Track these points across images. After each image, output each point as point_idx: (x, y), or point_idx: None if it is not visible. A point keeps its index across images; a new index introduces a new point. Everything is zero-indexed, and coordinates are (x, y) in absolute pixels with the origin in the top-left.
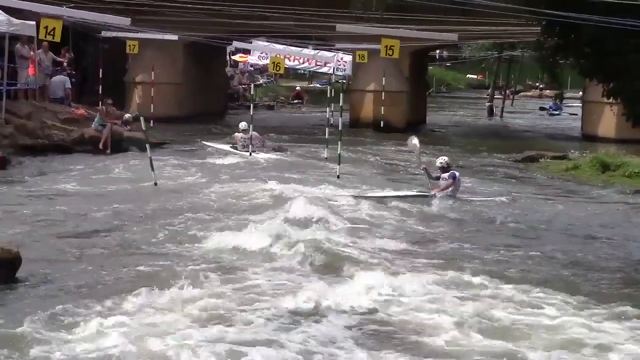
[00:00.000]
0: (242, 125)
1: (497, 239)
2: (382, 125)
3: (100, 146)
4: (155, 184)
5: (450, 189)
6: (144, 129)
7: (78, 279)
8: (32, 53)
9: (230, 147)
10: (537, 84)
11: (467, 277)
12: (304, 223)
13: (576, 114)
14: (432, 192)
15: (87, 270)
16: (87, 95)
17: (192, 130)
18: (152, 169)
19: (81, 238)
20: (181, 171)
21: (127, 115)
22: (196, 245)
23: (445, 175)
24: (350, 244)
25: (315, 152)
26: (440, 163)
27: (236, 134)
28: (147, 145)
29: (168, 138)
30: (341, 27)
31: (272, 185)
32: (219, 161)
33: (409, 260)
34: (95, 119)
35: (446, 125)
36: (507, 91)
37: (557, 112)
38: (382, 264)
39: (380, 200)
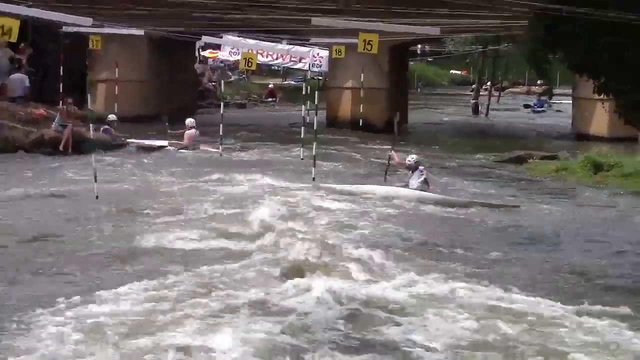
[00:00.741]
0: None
1: (486, 243)
2: (360, 124)
3: (61, 148)
4: (97, 197)
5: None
6: (91, 133)
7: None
8: None
9: (176, 148)
10: (520, 80)
11: (457, 283)
12: (273, 224)
13: (561, 111)
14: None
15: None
16: (47, 94)
17: (157, 130)
18: (95, 180)
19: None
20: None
21: (111, 117)
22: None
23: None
24: (334, 245)
25: (289, 153)
26: (409, 161)
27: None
28: (92, 155)
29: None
30: (317, 21)
31: (241, 185)
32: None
33: (389, 263)
34: (56, 119)
35: (429, 124)
36: (492, 87)
37: (541, 109)
38: (368, 269)
39: (354, 197)
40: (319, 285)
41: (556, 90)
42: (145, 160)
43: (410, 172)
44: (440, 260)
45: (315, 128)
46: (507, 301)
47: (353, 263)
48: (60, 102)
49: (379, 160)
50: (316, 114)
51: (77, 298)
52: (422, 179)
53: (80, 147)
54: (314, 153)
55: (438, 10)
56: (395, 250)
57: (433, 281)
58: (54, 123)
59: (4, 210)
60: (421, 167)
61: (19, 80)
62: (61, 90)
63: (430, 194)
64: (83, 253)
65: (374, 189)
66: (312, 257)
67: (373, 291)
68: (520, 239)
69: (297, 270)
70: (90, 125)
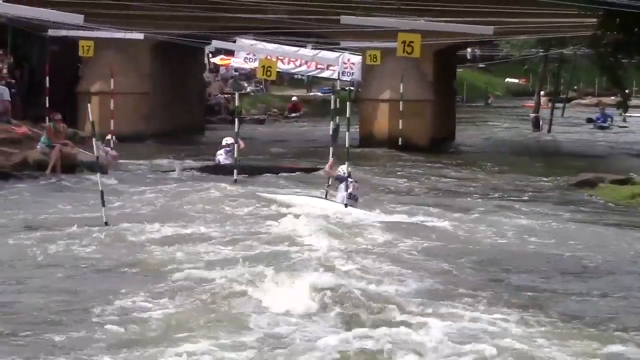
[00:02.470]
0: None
1: (548, 272)
2: (400, 143)
3: (48, 172)
4: (106, 223)
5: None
6: (95, 150)
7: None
8: None
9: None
10: (590, 90)
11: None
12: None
13: (626, 126)
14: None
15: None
16: (31, 110)
17: (161, 151)
18: (103, 204)
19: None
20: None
21: (109, 137)
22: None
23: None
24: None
25: (315, 176)
26: (338, 172)
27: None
28: (98, 175)
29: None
30: (347, 20)
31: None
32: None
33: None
34: (42, 138)
35: (481, 141)
36: (550, 98)
37: (605, 124)
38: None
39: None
40: None
41: (632, 102)
42: (154, 184)
43: (338, 183)
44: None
45: (347, 147)
46: None
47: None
48: (47, 118)
49: (424, 186)
50: (348, 130)
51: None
52: (349, 191)
53: (69, 170)
54: (346, 175)
55: (491, 7)
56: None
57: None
58: (39, 143)
59: None
60: (350, 180)
61: None
62: (47, 105)
63: (356, 209)
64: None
65: (291, 199)
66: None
67: None
68: (579, 269)
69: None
70: (94, 142)
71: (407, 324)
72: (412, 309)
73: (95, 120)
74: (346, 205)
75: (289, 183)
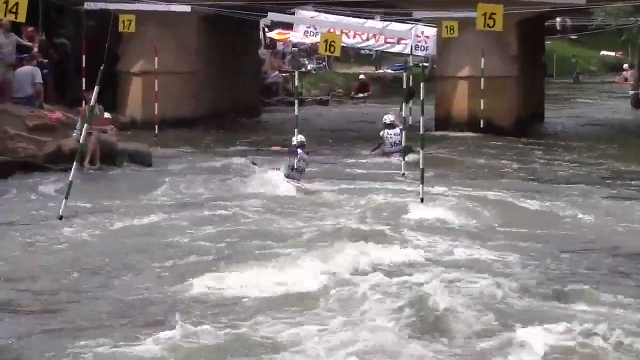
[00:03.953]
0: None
1: None
2: (481, 125)
3: (86, 163)
4: (61, 217)
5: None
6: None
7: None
8: None
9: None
10: None
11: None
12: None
13: None
14: None
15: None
16: (66, 92)
17: (213, 138)
18: (67, 197)
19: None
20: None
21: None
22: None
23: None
24: None
25: (388, 166)
26: (294, 142)
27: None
28: (74, 164)
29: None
30: None
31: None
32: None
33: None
34: (77, 125)
35: (574, 121)
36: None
37: None
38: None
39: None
40: None
41: None
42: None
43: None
44: None
45: (421, 132)
46: None
47: None
48: (83, 102)
49: (515, 173)
50: (422, 113)
51: None
52: (294, 163)
53: (110, 160)
54: (421, 166)
55: None
56: None
57: None
58: (74, 130)
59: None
60: (299, 151)
61: (28, 74)
62: (84, 87)
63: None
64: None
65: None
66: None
67: None
68: None
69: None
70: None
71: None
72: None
73: (138, 103)
74: (287, 176)
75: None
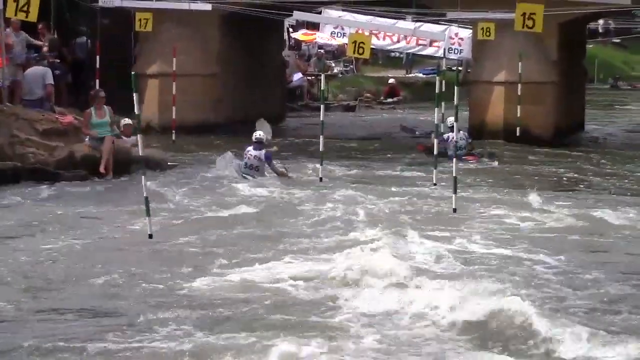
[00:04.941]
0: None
1: None
2: (518, 134)
3: (101, 169)
4: (150, 236)
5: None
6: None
7: None
8: None
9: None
10: None
11: None
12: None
13: None
14: None
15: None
16: (78, 94)
17: (234, 143)
18: (148, 214)
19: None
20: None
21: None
22: None
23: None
24: None
25: (417, 176)
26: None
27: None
28: (143, 177)
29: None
30: None
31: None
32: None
33: None
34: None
35: (619, 133)
36: None
37: None
38: None
39: None
40: None
41: None
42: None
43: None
44: None
45: (454, 140)
46: None
47: None
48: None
49: (563, 188)
50: (456, 120)
51: None
52: (244, 161)
53: (124, 168)
54: (454, 174)
55: None
56: None
57: None
58: (87, 137)
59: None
60: (260, 151)
61: (38, 75)
62: (97, 88)
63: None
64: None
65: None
66: None
67: None
68: None
69: None
70: (139, 138)
71: None
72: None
73: (155, 107)
74: (244, 176)
75: None
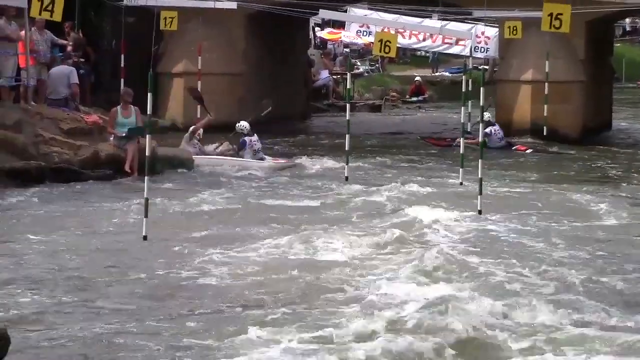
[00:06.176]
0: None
1: None
2: (545, 133)
3: (127, 168)
4: (145, 237)
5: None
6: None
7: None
8: (21, 33)
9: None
10: None
11: None
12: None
13: None
14: None
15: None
16: (103, 94)
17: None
18: (146, 215)
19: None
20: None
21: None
22: None
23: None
24: None
25: (444, 175)
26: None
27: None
28: (146, 178)
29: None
30: None
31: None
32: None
33: None
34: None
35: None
36: None
37: None
38: None
39: None
40: None
41: None
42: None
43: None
44: None
45: (480, 139)
46: None
47: None
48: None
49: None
50: (482, 120)
51: None
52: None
53: (152, 168)
54: (479, 175)
55: None
56: None
57: None
58: (112, 136)
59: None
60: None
61: (63, 75)
62: (122, 88)
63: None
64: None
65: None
66: None
67: None
68: None
69: None
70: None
71: None
72: None
73: (179, 106)
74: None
75: None
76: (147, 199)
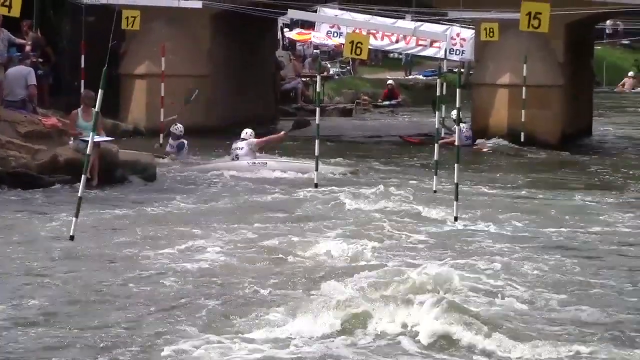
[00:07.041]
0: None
1: None
2: (522, 139)
3: (87, 174)
4: (72, 237)
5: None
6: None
7: None
8: None
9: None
10: None
11: None
12: None
13: None
14: None
15: None
16: (62, 96)
17: (225, 147)
18: (77, 215)
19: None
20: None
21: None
22: None
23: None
24: None
25: (418, 183)
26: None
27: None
28: (83, 176)
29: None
30: None
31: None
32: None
33: None
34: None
35: (630, 139)
36: None
37: None
38: None
39: None
40: None
41: None
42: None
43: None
44: None
45: (457, 144)
46: None
47: None
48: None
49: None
50: (457, 124)
51: None
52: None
53: (109, 174)
54: (455, 180)
55: None
56: None
57: None
58: (71, 138)
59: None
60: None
61: (21, 75)
62: (82, 90)
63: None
64: None
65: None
66: None
67: None
68: None
69: None
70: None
71: None
72: None
73: (142, 109)
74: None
75: None
76: (80, 198)
